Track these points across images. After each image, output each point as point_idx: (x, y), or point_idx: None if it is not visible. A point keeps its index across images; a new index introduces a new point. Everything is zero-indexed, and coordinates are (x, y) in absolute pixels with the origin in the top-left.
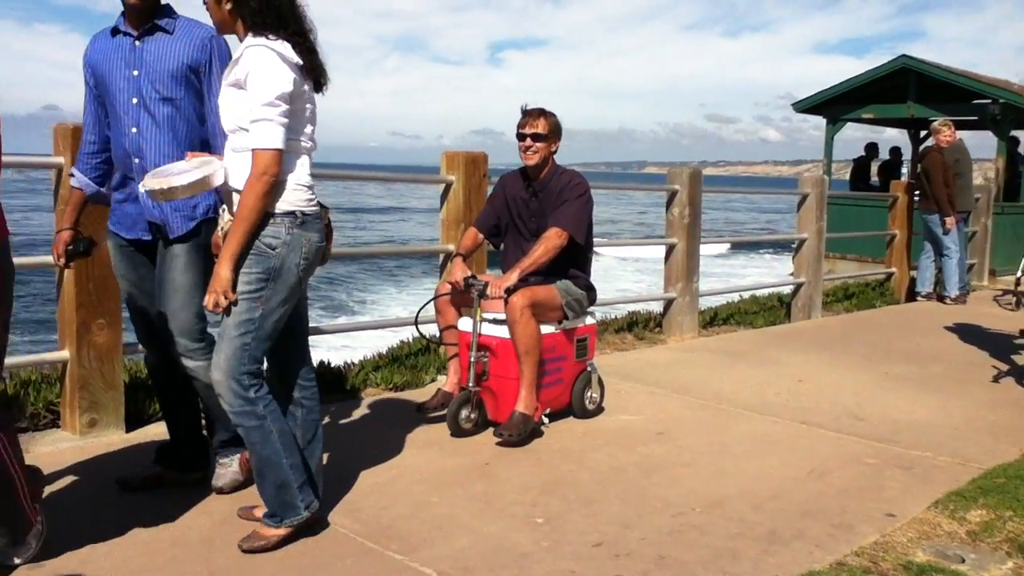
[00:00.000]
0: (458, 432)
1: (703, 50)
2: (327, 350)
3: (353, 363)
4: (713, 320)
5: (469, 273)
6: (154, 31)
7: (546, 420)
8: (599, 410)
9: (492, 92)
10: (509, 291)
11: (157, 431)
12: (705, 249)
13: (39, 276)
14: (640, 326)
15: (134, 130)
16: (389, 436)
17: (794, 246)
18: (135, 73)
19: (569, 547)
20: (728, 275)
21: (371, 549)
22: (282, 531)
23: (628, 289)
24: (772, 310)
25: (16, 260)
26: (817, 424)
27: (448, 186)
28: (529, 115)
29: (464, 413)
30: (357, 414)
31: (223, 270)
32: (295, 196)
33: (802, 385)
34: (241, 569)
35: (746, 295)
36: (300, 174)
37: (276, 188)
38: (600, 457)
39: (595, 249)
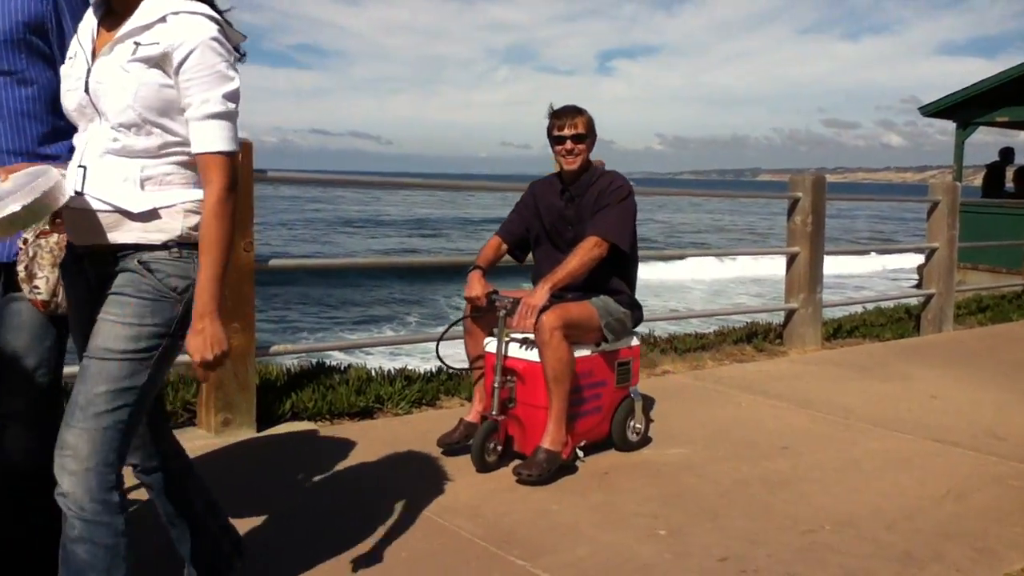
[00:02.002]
0: (484, 467)
1: (821, 53)
2: (421, 359)
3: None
4: (837, 332)
5: (490, 288)
6: None
7: (581, 454)
8: (644, 441)
9: (601, 101)
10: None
11: (286, 430)
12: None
13: None
14: (760, 337)
15: None
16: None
17: (924, 256)
18: None
19: (693, 560)
20: (846, 287)
21: (494, 554)
22: None
23: (743, 304)
24: (900, 323)
25: None
26: (953, 443)
27: None
28: (565, 115)
29: (491, 445)
30: None
31: (216, 324)
32: (197, 218)
33: (935, 401)
34: (370, 573)
35: (870, 307)
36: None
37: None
38: (722, 470)
39: (710, 259)
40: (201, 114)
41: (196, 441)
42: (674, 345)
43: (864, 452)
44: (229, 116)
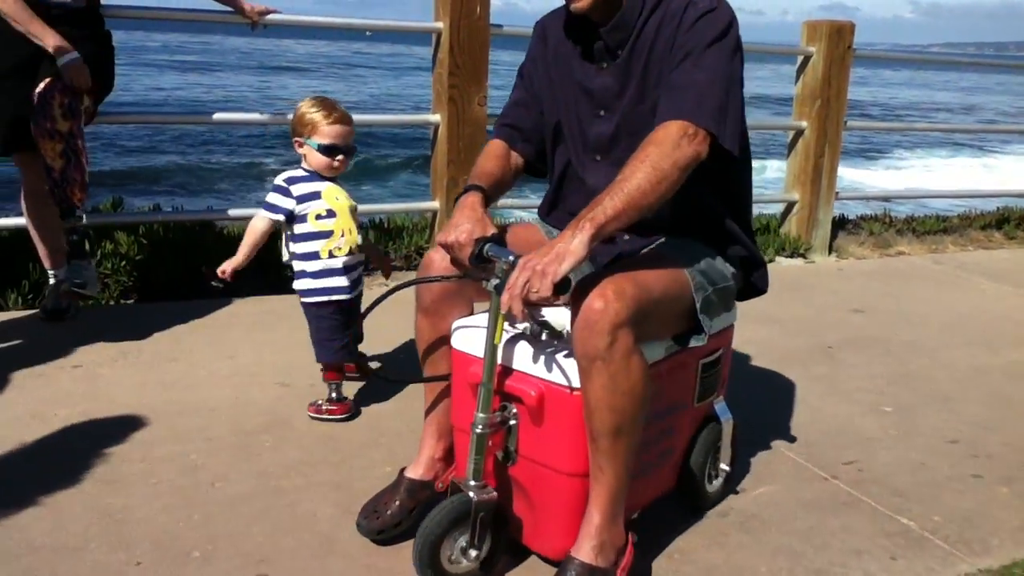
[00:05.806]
0: None
1: None
2: None
3: None
4: None
5: (489, 227)
6: None
7: (633, 539)
8: (720, 496)
9: None
10: (564, 285)
11: None
12: None
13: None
14: (1012, 224)
15: None
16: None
17: None
18: None
19: (920, 439)
20: None
21: None
22: None
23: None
24: None
25: (399, 118)
26: None
27: (807, 58)
28: None
29: (460, 544)
30: None
31: None
32: None
33: None
34: None
35: None
36: None
37: None
38: (958, 356)
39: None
40: None
41: None
42: (912, 226)
43: None
44: None
